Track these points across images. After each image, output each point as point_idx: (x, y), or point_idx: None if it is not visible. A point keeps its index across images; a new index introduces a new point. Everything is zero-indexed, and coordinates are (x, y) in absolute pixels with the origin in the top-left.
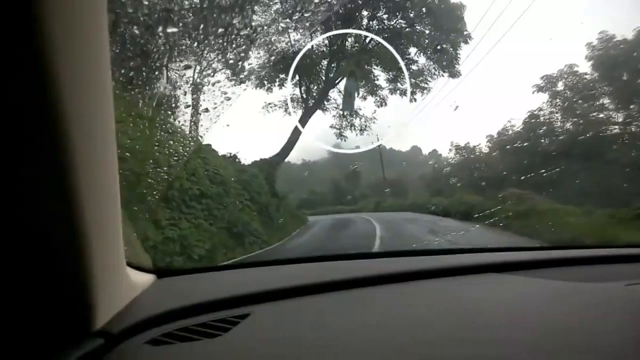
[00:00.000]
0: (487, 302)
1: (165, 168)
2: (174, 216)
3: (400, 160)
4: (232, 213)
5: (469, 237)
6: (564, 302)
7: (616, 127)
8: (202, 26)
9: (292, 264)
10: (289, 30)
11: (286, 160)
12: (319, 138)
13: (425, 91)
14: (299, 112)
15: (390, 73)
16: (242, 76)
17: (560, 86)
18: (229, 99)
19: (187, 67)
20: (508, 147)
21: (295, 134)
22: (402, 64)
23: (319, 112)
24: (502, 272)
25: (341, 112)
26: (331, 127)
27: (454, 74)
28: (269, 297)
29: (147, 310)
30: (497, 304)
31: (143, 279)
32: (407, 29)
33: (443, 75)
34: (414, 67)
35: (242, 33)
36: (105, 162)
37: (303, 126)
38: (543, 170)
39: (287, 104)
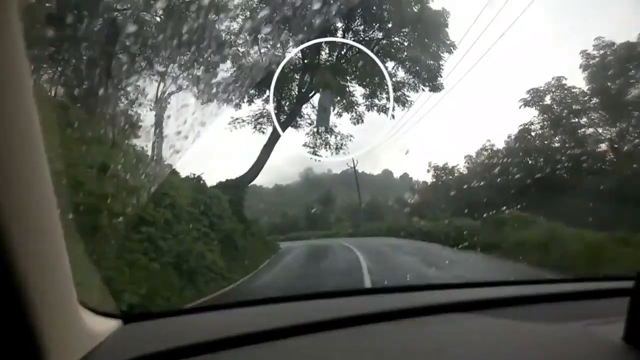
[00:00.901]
0: (448, 345)
1: (133, 199)
2: (100, 250)
3: (372, 183)
4: (184, 244)
5: (475, 270)
6: (524, 345)
7: (605, 142)
8: (167, 47)
9: (267, 304)
10: (260, 44)
11: (258, 184)
12: (290, 157)
13: (406, 106)
14: (269, 130)
15: (367, 88)
16: (211, 93)
17: (548, 100)
18: (203, 124)
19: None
20: (499, 165)
21: (265, 153)
22: (381, 78)
23: (291, 129)
24: (467, 312)
25: (315, 129)
26: (305, 145)
27: (436, 88)
28: (235, 342)
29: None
30: (457, 346)
31: (106, 325)
32: (384, 41)
33: (424, 90)
34: (392, 81)
35: (211, 48)
36: (35, 184)
37: (274, 144)
38: (537, 190)
39: (256, 121)
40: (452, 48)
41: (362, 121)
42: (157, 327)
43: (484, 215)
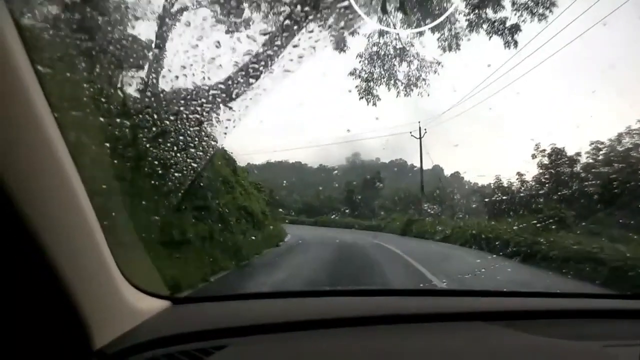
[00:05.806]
0: (463, 353)
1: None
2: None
3: (416, 179)
4: None
5: None
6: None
7: None
8: None
9: (308, 297)
10: None
11: (303, 162)
12: (339, 138)
13: (543, 19)
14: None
15: None
16: None
17: None
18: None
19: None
20: None
21: None
22: None
23: (336, 60)
24: (490, 321)
25: (380, 17)
26: (351, 74)
27: None
28: (248, 331)
29: (144, 336)
30: (471, 355)
31: (156, 304)
32: None
33: None
34: None
35: None
36: (56, 171)
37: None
38: None
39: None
40: None
41: (458, 47)
42: (202, 309)
43: None
